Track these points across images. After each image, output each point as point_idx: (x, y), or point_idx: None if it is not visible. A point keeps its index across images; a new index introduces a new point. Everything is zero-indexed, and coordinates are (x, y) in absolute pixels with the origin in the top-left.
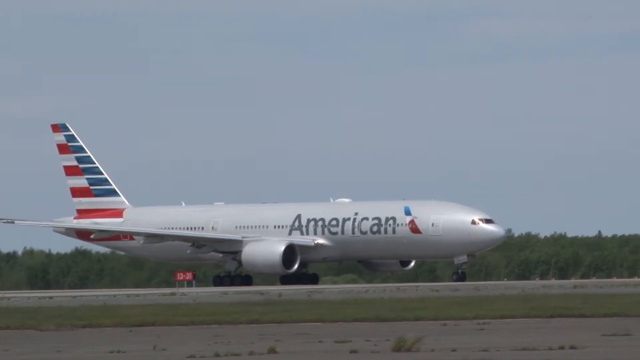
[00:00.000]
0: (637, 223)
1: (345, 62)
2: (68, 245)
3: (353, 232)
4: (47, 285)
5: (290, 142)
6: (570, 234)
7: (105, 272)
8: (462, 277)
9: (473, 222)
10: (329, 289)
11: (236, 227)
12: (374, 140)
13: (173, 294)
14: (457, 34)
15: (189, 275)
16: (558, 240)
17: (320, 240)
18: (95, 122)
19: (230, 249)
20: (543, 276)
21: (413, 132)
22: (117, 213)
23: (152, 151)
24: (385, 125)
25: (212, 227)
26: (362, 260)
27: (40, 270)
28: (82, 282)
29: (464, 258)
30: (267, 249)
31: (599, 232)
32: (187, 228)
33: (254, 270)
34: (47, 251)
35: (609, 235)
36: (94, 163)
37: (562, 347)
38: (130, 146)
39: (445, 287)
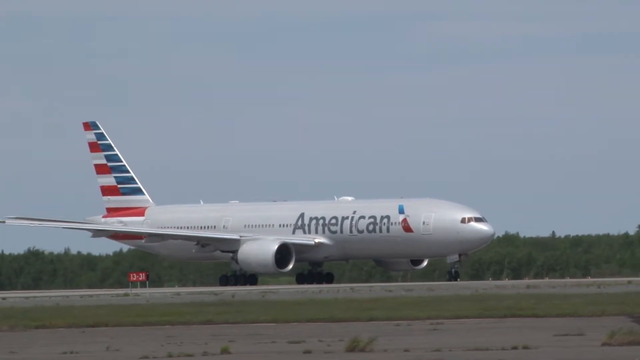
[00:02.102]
0: (589, 223)
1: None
2: (23, 245)
3: (351, 231)
4: (0, 286)
5: (303, 140)
6: (523, 234)
7: (59, 272)
8: (454, 277)
9: (463, 221)
10: (284, 289)
11: (245, 225)
12: (381, 139)
13: (126, 294)
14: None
15: (142, 276)
16: (511, 240)
17: (321, 239)
18: (125, 120)
19: (231, 248)
20: (496, 276)
21: (418, 130)
22: (141, 212)
23: (179, 149)
24: (392, 123)
25: (224, 226)
26: (360, 258)
27: None
28: (36, 283)
29: (455, 257)
30: (261, 248)
31: (553, 232)
32: (201, 227)
33: (250, 269)
34: None
35: (562, 235)
36: (122, 161)
37: (515, 347)
38: (157, 144)
39: (399, 287)
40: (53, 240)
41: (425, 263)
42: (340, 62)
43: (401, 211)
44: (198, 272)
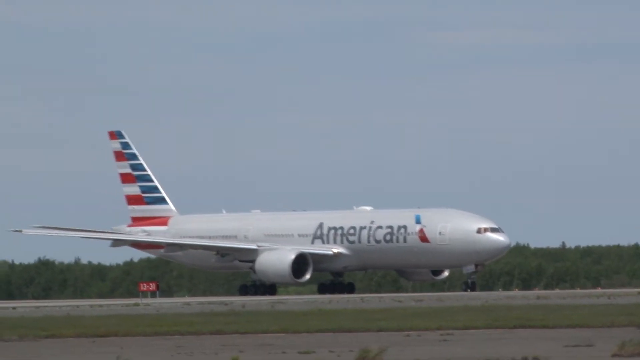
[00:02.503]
0: (600, 234)
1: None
2: (33, 255)
3: (368, 241)
4: (10, 296)
5: (324, 149)
6: (533, 245)
7: (69, 282)
8: (471, 287)
9: (478, 231)
10: (293, 299)
11: (265, 235)
12: (402, 147)
13: (137, 304)
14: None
15: (152, 286)
16: (521, 251)
17: (340, 249)
18: (149, 128)
19: (249, 257)
20: (506, 287)
21: (442, 139)
22: (164, 221)
23: (202, 157)
24: (415, 131)
25: (244, 236)
26: (378, 269)
27: (3, 281)
28: (46, 293)
29: (471, 267)
30: (278, 258)
31: (563, 243)
32: (223, 236)
33: (267, 279)
34: (10, 262)
35: (572, 246)
36: (146, 170)
37: (525, 358)
38: (181, 153)
39: (409, 298)
40: (64, 250)
41: (446, 273)
42: (359, 71)
43: (418, 221)
44: (208, 282)
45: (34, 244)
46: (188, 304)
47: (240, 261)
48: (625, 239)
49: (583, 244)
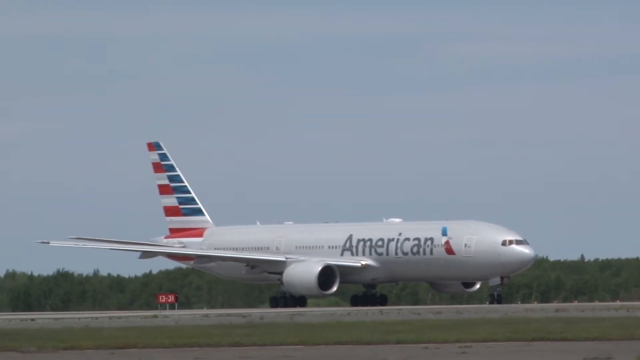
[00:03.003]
0: (619, 247)
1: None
2: (52, 267)
3: (396, 253)
4: (29, 308)
5: (356, 160)
6: (552, 258)
7: (88, 294)
8: (497, 300)
9: (504, 243)
10: (311, 311)
11: (296, 247)
12: (431, 160)
13: (155, 316)
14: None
15: (171, 298)
16: (540, 263)
17: (368, 261)
18: (187, 140)
19: (277, 269)
20: (525, 300)
21: (470, 150)
22: (200, 233)
23: (239, 168)
24: (447, 143)
25: (277, 248)
26: (405, 280)
27: (22, 292)
28: (64, 305)
29: (497, 280)
30: (305, 270)
31: (582, 255)
32: (256, 248)
33: (294, 291)
34: (29, 274)
35: (591, 259)
36: (183, 182)
37: None
38: (219, 164)
39: (427, 310)
40: (83, 261)
41: (477, 286)
42: (388, 84)
43: (444, 233)
44: (227, 294)
45: (54, 256)
46: (207, 315)
47: (269, 273)
48: None
49: (602, 256)
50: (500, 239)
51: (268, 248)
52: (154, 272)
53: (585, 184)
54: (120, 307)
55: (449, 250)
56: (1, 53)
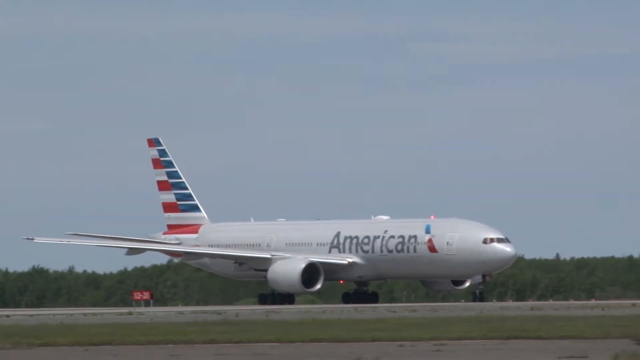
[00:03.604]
0: (594, 246)
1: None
2: (28, 263)
3: (381, 251)
4: (4, 304)
5: (346, 157)
6: (528, 256)
7: (62, 291)
8: (480, 298)
9: (485, 241)
10: (287, 309)
11: (286, 244)
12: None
13: (130, 313)
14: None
15: (146, 295)
16: (516, 262)
17: (355, 259)
18: (186, 133)
19: (262, 266)
20: (501, 298)
21: (457, 149)
22: (196, 229)
23: (235, 164)
24: (437, 139)
25: (267, 245)
26: (392, 278)
27: None
28: (39, 301)
29: (479, 278)
30: (288, 267)
31: (557, 254)
32: (248, 245)
33: (279, 288)
34: (3, 270)
35: (567, 257)
36: (181, 178)
37: None
38: (217, 161)
39: (403, 308)
40: (58, 258)
41: (467, 283)
42: (378, 83)
43: (427, 231)
44: (203, 292)
45: (29, 252)
46: (182, 312)
47: (255, 270)
48: (620, 251)
49: (577, 255)
50: (482, 237)
51: (259, 245)
52: (129, 269)
53: (561, 183)
54: (95, 304)
55: (432, 248)
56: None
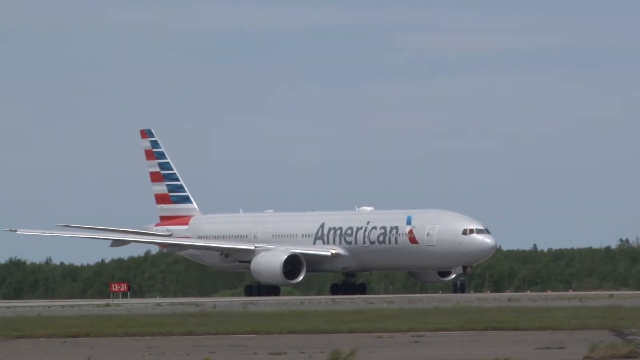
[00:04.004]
0: (571, 237)
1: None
2: (6, 254)
3: (364, 242)
4: None
5: (332, 148)
6: (505, 248)
7: (40, 283)
8: (461, 289)
9: (464, 232)
10: (264, 300)
11: (272, 235)
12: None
13: (108, 305)
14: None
15: (124, 287)
16: (493, 253)
17: (338, 250)
18: (179, 125)
19: (246, 258)
20: (478, 289)
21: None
22: (187, 221)
23: (226, 155)
24: (426, 131)
25: (254, 236)
26: (375, 269)
27: None
28: (17, 293)
29: (459, 269)
30: (270, 259)
31: (534, 245)
32: (236, 236)
33: (262, 279)
34: None
35: (544, 249)
36: (172, 169)
37: None
38: (208, 152)
39: (380, 300)
40: (35, 249)
41: (453, 275)
42: (361, 73)
43: (408, 222)
44: (180, 284)
45: (5, 243)
46: (159, 304)
47: (240, 262)
48: (597, 242)
49: (555, 246)
50: (461, 228)
51: (246, 236)
52: (107, 260)
53: (539, 174)
54: (72, 296)
55: (412, 240)
56: None
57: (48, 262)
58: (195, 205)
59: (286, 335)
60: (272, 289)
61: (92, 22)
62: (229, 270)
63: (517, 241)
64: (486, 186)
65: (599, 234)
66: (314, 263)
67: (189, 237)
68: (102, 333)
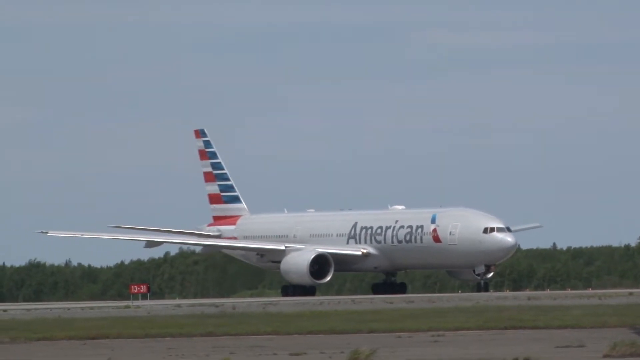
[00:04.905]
0: (590, 235)
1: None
2: (25, 257)
3: (392, 241)
4: (1, 298)
5: (366, 147)
6: (524, 246)
7: (60, 285)
8: (485, 288)
9: (485, 231)
10: (284, 301)
11: (310, 235)
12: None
13: (127, 306)
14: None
15: (143, 288)
16: (514, 252)
17: (370, 249)
18: (234, 125)
19: (277, 258)
20: (497, 288)
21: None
22: (235, 221)
23: (273, 153)
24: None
25: (294, 236)
26: (406, 268)
27: None
28: (37, 295)
29: (481, 268)
30: (298, 259)
31: (554, 244)
32: (277, 236)
33: (290, 280)
34: (0, 264)
35: (564, 247)
36: (224, 169)
37: (516, 359)
38: (257, 151)
39: (400, 299)
40: (55, 251)
41: (491, 273)
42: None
43: (433, 221)
44: (199, 285)
45: (26, 245)
46: (179, 305)
47: (272, 262)
48: (616, 240)
49: (574, 245)
50: (482, 226)
51: (286, 236)
52: (126, 262)
53: (558, 172)
54: (92, 298)
55: (436, 238)
56: (49, 39)
57: (67, 264)
58: (244, 205)
59: (306, 336)
60: (307, 289)
61: (146, 21)
62: (270, 270)
63: (536, 240)
64: (506, 183)
65: (618, 231)
66: (346, 262)
67: (235, 238)
68: (121, 335)
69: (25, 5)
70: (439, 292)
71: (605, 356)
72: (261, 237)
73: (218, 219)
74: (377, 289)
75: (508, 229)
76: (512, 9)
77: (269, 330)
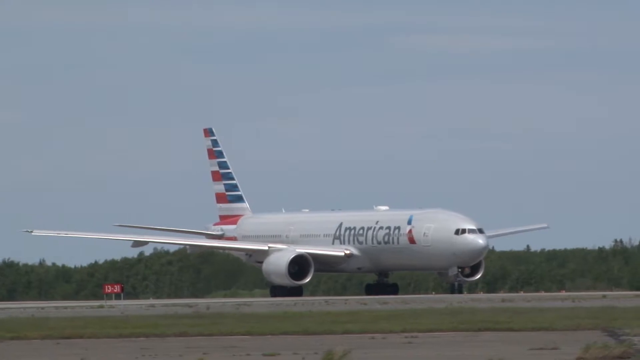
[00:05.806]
0: (564, 237)
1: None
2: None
3: (372, 242)
4: None
5: (360, 148)
6: (498, 248)
7: (33, 284)
8: (458, 290)
9: (457, 232)
10: (257, 302)
11: (301, 235)
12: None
13: (101, 306)
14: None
15: (117, 288)
16: (487, 254)
17: (353, 250)
18: (243, 124)
19: (261, 258)
20: (471, 290)
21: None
22: (236, 220)
23: (280, 155)
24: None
25: (286, 236)
26: (386, 270)
27: None
28: (10, 294)
29: (454, 270)
30: (277, 260)
31: (527, 246)
32: (271, 236)
33: (271, 280)
34: None
35: (537, 249)
36: (229, 168)
37: None
38: (263, 151)
39: (375, 301)
40: (29, 250)
41: (479, 274)
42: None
43: (409, 222)
44: (173, 285)
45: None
46: (153, 306)
47: (257, 262)
48: (590, 243)
49: (548, 247)
50: (454, 227)
51: (280, 236)
52: (100, 262)
53: (532, 174)
54: (66, 297)
55: (411, 240)
56: (50, 39)
57: (41, 263)
58: (247, 204)
59: (280, 337)
60: (294, 289)
61: (154, 22)
62: (256, 268)
63: (510, 242)
64: (483, 186)
65: (592, 234)
66: (330, 263)
67: (236, 237)
68: (95, 334)
69: (29, 6)
70: (413, 292)
71: (578, 358)
72: (258, 237)
73: (223, 218)
74: (370, 289)
75: (480, 231)
76: (507, 13)
77: (242, 330)
